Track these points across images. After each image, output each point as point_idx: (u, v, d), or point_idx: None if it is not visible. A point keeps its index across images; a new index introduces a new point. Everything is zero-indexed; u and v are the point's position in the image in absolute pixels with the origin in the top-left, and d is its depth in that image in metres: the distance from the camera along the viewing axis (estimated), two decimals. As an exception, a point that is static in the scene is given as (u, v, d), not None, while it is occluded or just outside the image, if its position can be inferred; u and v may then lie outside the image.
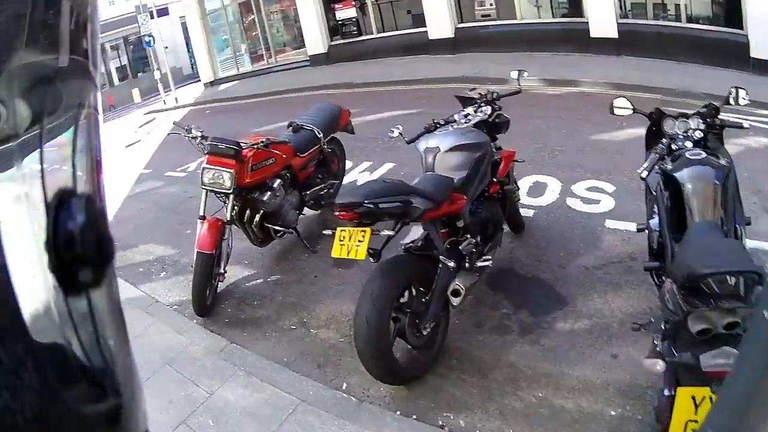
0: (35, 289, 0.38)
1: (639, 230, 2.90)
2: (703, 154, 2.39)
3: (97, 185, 0.47)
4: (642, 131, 3.09)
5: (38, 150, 0.40)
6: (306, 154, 4.39)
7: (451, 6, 11.53)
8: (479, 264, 3.04)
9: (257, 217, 3.94)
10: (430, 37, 11.84)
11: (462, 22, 11.65)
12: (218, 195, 3.79)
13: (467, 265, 2.95)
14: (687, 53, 9.14)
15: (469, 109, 3.42)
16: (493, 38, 11.02)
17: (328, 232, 2.86)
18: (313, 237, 4.43)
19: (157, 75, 15.47)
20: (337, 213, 2.61)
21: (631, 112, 2.90)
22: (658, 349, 1.91)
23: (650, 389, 2.48)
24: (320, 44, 13.60)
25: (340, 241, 2.63)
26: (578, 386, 2.68)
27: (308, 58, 13.92)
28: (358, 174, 5.86)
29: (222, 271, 3.81)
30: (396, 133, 3.46)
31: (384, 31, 12.92)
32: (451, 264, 2.82)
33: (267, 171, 3.95)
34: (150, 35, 14.76)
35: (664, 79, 8.41)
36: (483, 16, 11.41)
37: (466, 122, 3.32)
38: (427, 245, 2.85)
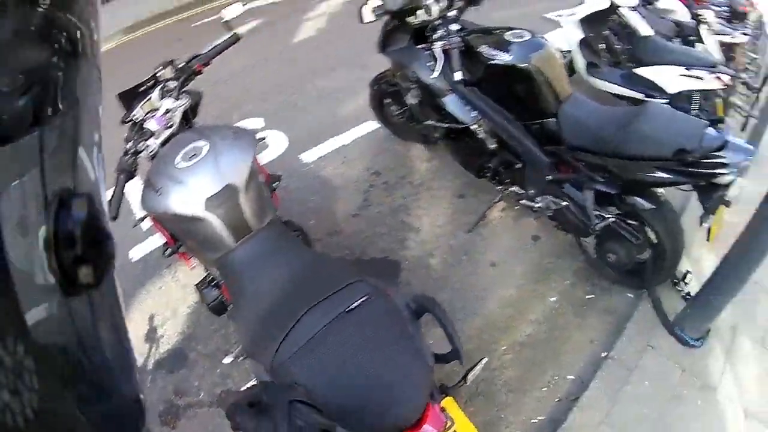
0: (36, 289, 0.37)
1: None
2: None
3: (96, 184, 0.46)
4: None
5: (38, 150, 0.38)
6: None
7: None
8: None
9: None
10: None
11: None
12: None
13: None
14: None
15: (166, 102, 1.91)
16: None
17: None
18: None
19: None
20: None
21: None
22: None
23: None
24: None
25: None
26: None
27: None
28: None
29: None
30: None
31: None
32: None
33: None
34: None
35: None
36: None
37: (170, 124, 1.90)
38: None
